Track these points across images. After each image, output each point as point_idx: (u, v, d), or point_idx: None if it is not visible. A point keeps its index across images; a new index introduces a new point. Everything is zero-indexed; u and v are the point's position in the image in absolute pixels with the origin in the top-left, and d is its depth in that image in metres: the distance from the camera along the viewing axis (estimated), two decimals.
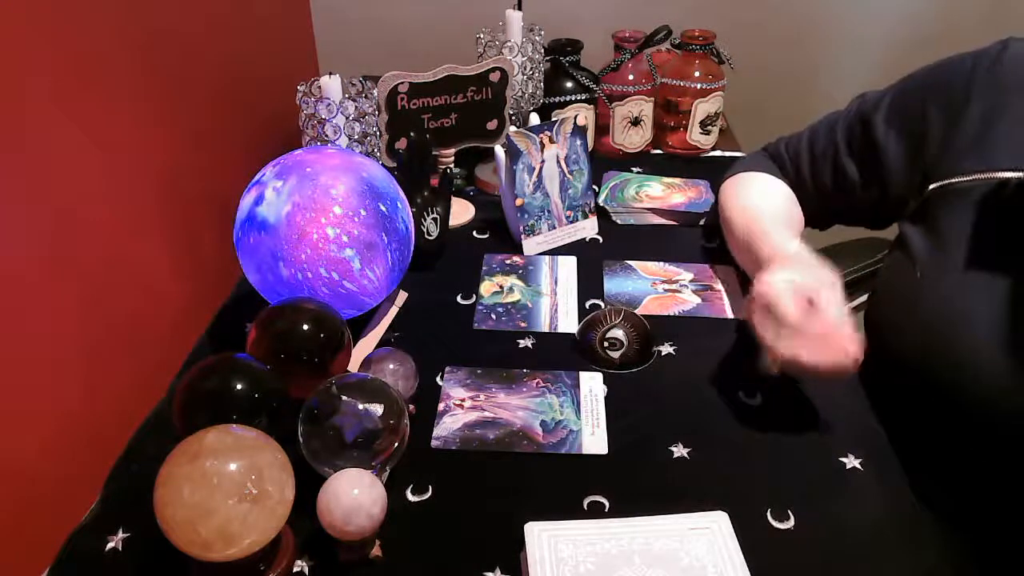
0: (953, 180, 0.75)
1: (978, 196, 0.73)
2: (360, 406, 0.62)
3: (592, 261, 0.99)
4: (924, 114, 0.79)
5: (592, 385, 0.79)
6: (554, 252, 1.01)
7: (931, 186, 0.77)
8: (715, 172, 1.05)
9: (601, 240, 1.04)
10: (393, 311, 0.89)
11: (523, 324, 0.88)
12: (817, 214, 0.94)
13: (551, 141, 0.99)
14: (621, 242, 1.03)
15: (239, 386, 0.63)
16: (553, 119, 1.03)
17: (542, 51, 1.13)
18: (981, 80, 0.76)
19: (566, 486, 0.68)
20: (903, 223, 0.81)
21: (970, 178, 0.74)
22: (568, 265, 0.98)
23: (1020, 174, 0.71)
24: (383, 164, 0.94)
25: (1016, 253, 0.71)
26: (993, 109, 0.74)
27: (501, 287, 0.94)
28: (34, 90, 0.69)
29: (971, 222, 0.73)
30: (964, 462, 0.77)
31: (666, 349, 0.84)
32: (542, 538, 0.59)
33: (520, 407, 0.76)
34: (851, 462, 0.70)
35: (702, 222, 1.07)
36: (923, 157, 0.79)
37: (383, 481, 0.63)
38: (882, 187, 0.84)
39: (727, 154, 1.26)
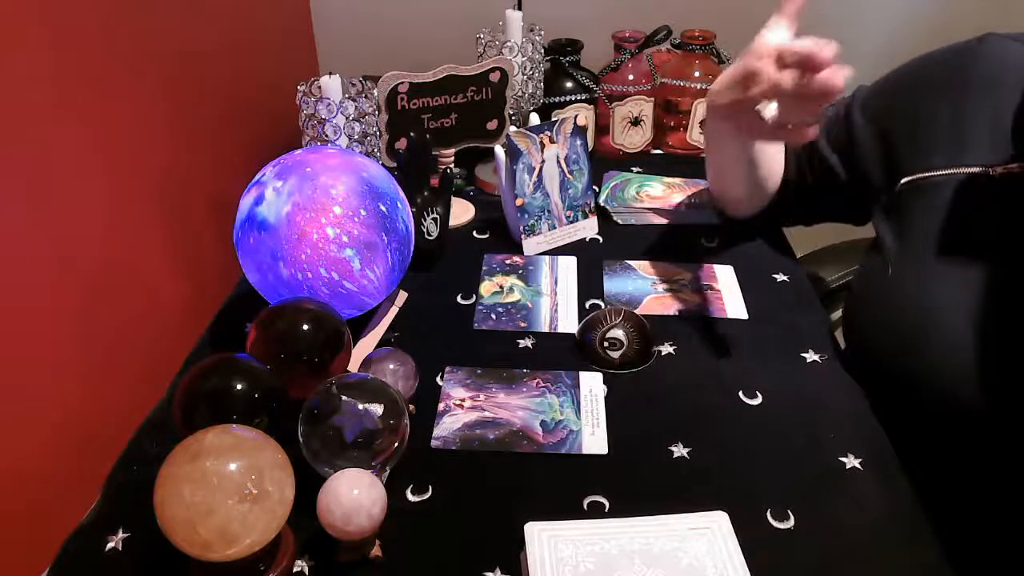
0: (924, 175, 0.75)
1: (948, 191, 0.73)
2: (360, 406, 0.62)
3: (592, 261, 0.99)
4: (896, 109, 0.80)
5: (592, 385, 0.79)
6: (554, 252, 1.01)
7: (902, 180, 0.77)
8: None
9: (601, 240, 1.04)
10: (393, 311, 0.89)
11: (523, 324, 0.88)
12: (803, 207, 0.95)
13: (551, 141, 0.99)
14: (621, 242, 1.03)
15: (239, 386, 0.63)
16: (553, 119, 1.03)
17: (542, 51, 1.13)
18: (955, 75, 0.76)
19: (566, 486, 0.68)
20: (876, 219, 0.81)
21: (940, 173, 0.74)
22: (568, 265, 0.98)
23: (989, 169, 0.71)
24: (383, 164, 0.94)
25: (984, 249, 0.72)
26: (965, 104, 0.74)
27: (501, 287, 0.94)
28: (34, 90, 0.69)
29: (941, 217, 0.74)
30: (953, 460, 0.77)
31: (666, 349, 0.84)
32: (542, 538, 0.59)
33: (520, 407, 0.76)
34: (851, 462, 0.70)
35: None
36: (893, 152, 0.80)
37: (383, 481, 0.63)
38: (860, 182, 0.85)
39: None
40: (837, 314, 1.10)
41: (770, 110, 0.67)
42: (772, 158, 0.91)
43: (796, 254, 1.03)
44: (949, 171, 0.74)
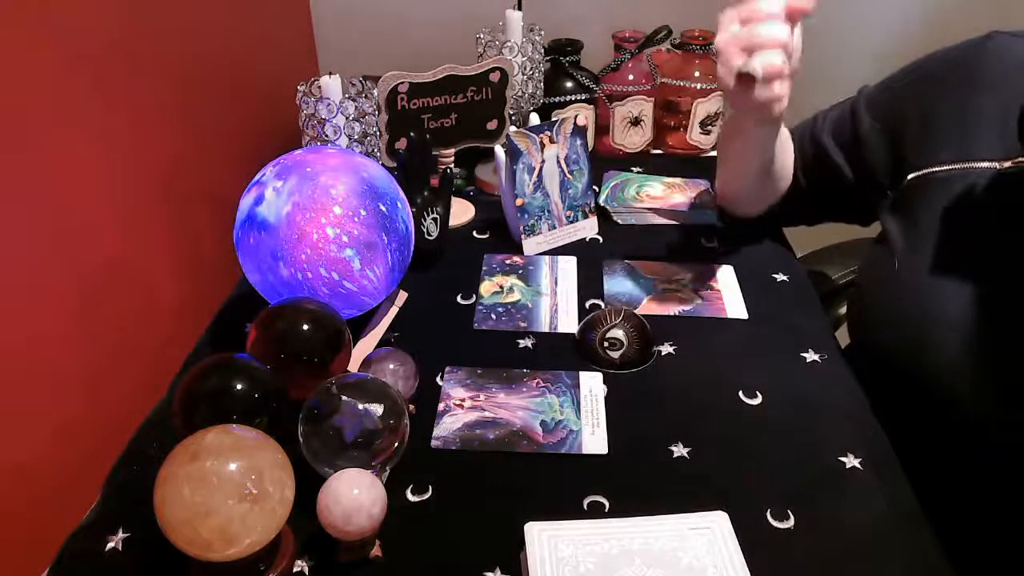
0: (931, 170, 0.76)
1: (955, 187, 0.74)
2: (360, 406, 0.62)
3: (592, 261, 0.99)
4: (904, 107, 0.81)
5: (592, 385, 0.79)
6: (554, 252, 1.01)
7: (909, 176, 0.78)
8: (715, 172, 1.05)
9: (601, 240, 1.04)
10: (393, 311, 0.89)
11: (523, 324, 0.88)
12: (806, 207, 0.95)
13: (551, 141, 0.99)
14: (621, 242, 1.03)
15: (239, 386, 0.63)
16: (553, 119, 1.03)
17: (542, 51, 1.13)
18: (961, 72, 0.76)
19: (566, 486, 0.68)
20: (884, 215, 0.82)
21: (947, 168, 0.74)
22: (568, 265, 0.98)
23: (996, 164, 0.71)
24: (383, 164, 0.94)
25: (990, 243, 0.72)
26: (971, 101, 0.75)
27: (501, 287, 0.94)
28: (34, 90, 0.69)
29: (948, 213, 0.74)
30: (953, 459, 0.77)
31: (666, 349, 0.84)
32: (542, 538, 0.59)
33: (520, 407, 0.76)
34: (851, 462, 0.70)
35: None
36: (902, 149, 0.80)
37: (383, 481, 0.63)
38: (866, 181, 0.85)
39: None
40: (843, 310, 1.11)
41: (753, 66, 0.66)
42: (786, 153, 0.91)
43: (796, 254, 1.03)
44: (956, 166, 0.74)
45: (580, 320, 0.87)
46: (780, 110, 0.70)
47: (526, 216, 0.99)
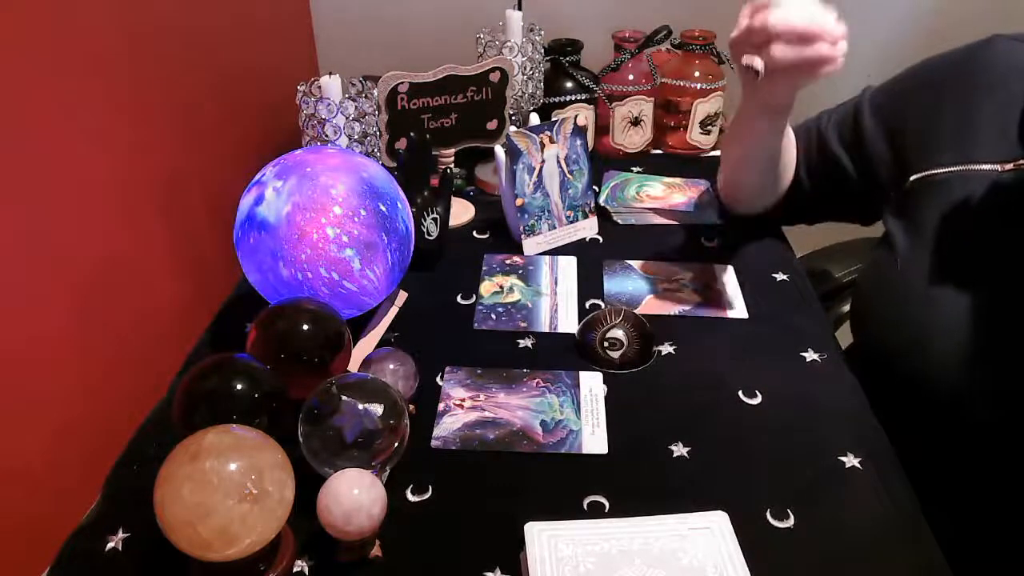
0: (932, 172, 0.76)
1: (956, 188, 0.74)
2: (360, 406, 0.62)
3: (592, 261, 0.99)
4: (905, 109, 0.81)
5: (592, 385, 0.79)
6: (554, 252, 1.01)
7: (911, 178, 0.78)
8: (715, 172, 1.06)
9: (601, 240, 1.04)
10: (393, 311, 0.89)
11: (523, 324, 0.88)
12: (808, 205, 0.96)
13: (551, 141, 0.99)
14: (621, 242, 1.03)
15: (239, 386, 0.63)
16: (553, 119, 1.03)
17: (542, 51, 1.13)
18: (962, 76, 0.77)
19: (566, 486, 0.68)
20: (886, 217, 0.82)
21: (947, 170, 0.75)
22: (568, 265, 0.98)
23: (997, 167, 0.71)
24: (383, 164, 0.94)
25: (990, 247, 0.72)
26: (972, 103, 0.75)
27: (501, 287, 0.94)
28: (34, 90, 0.69)
29: (949, 215, 0.74)
30: (953, 459, 0.77)
31: (666, 349, 0.84)
32: (542, 538, 0.59)
33: (520, 407, 0.76)
34: (851, 461, 0.70)
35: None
36: (904, 151, 0.80)
37: (383, 481, 0.63)
38: (869, 181, 0.85)
39: None
40: (844, 309, 1.11)
41: (756, 63, 0.69)
42: (790, 149, 0.91)
43: (796, 254, 1.03)
44: (957, 168, 0.74)
45: (580, 320, 0.87)
46: (825, 71, 0.71)
47: (526, 216, 0.99)
